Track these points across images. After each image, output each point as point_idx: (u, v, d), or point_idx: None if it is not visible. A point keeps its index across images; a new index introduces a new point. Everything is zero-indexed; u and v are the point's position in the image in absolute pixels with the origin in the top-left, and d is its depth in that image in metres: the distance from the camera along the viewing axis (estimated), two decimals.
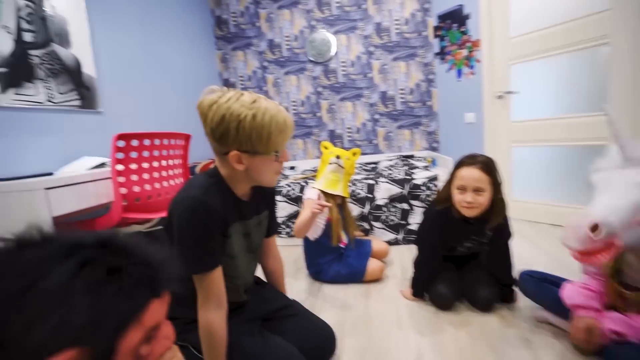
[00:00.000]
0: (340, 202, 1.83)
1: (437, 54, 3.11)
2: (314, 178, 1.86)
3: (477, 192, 1.27)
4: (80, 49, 1.91)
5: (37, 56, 1.68)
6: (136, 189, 1.39)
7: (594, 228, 0.79)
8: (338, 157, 1.77)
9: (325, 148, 1.88)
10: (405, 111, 3.33)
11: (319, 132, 3.51)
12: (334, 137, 3.49)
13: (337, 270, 1.79)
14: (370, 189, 2.33)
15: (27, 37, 1.65)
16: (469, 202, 1.27)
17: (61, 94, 1.79)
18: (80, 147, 1.87)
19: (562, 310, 1.11)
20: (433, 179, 2.26)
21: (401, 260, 2.01)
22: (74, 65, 1.87)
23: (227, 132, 0.81)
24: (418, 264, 1.51)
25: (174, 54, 2.85)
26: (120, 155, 1.33)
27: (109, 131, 2.11)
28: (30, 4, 1.67)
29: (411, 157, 3.26)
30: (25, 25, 1.64)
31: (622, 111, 1.89)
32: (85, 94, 1.93)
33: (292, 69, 3.45)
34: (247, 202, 0.97)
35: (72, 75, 1.86)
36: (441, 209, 1.37)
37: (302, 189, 2.50)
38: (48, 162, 1.70)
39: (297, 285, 1.84)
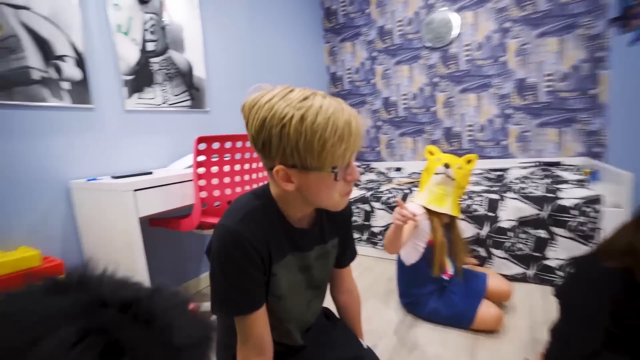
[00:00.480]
0: (447, 222, 1.44)
1: (614, 19, 2.20)
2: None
3: None
4: (193, 53, 2.04)
5: (156, 63, 1.85)
6: (216, 193, 1.35)
7: None
8: (447, 165, 1.39)
9: (431, 154, 1.51)
10: (552, 103, 2.53)
11: (432, 129, 3.03)
12: (451, 136, 2.95)
13: (435, 307, 1.42)
14: (493, 205, 1.81)
15: (150, 46, 1.82)
16: None
17: (175, 95, 1.95)
18: (188, 145, 2.01)
19: None
20: (593, 201, 1.59)
21: (530, 308, 1.48)
22: (186, 68, 2.01)
23: (269, 140, 0.61)
24: (561, 338, 1.01)
25: (281, 50, 2.86)
26: (202, 158, 1.30)
27: (215, 130, 2.24)
28: (153, 16, 1.84)
29: (556, 165, 2.47)
30: (148, 36, 1.82)
31: None
32: (195, 94, 2.07)
33: (404, 57, 3.05)
34: (306, 229, 0.76)
35: (184, 78, 2.00)
36: (614, 267, 0.85)
37: (405, 197, 2.16)
38: (162, 158, 1.87)
39: (385, 314, 1.56)
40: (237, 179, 1.42)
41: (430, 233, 1.40)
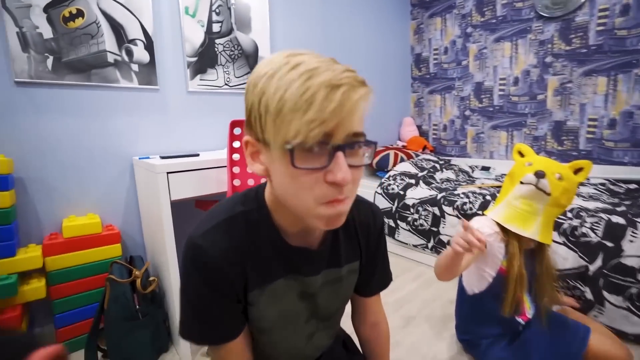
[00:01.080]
0: (533, 248, 1.07)
1: None
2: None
3: None
4: (259, 33, 1.97)
5: (220, 44, 1.84)
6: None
7: None
8: (540, 174, 1.00)
9: (520, 155, 1.13)
10: None
11: (536, 122, 2.43)
12: (562, 132, 2.32)
13: (502, 358, 1.09)
14: (615, 232, 1.33)
15: (215, 27, 1.81)
16: None
17: (237, 77, 1.92)
18: None
19: None
20: None
21: None
22: (252, 49, 1.96)
23: (246, 108, 0.47)
24: None
25: (358, 29, 2.61)
26: (237, 144, 1.21)
27: None
28: None
29: None
30: (214, 17, 1.80)
31: None
32: None
33: (507, 32, 2.48)
34: (309, 249, 0.56)
35: (248, 59, 1.95)
36: None
37: (484, 206, 1.76)
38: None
39: (435, 347, 1.28)
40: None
41: (503, 259, 1.06)
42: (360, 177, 0.46)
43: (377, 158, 2.61)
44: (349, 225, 0.61)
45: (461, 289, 1.21)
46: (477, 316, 1.16)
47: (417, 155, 2.67)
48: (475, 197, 1.86)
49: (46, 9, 1.33)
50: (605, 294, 1.31)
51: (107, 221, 1.53)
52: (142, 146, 1.61)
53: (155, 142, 1.65)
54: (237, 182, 1.24)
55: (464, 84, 2.79)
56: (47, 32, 1.33)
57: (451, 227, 1.93)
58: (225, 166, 1.28)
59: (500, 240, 1.05)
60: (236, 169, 1.23)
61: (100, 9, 1.45)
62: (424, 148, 2.93)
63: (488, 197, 1.82)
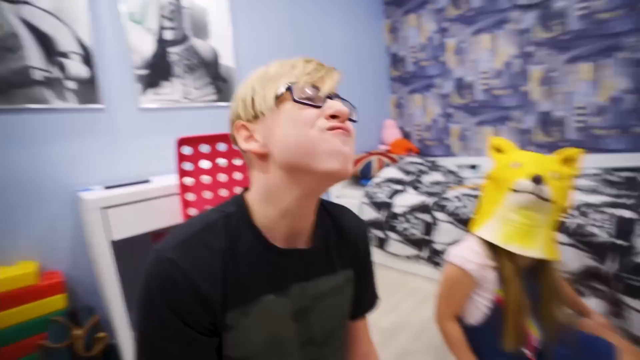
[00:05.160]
0: (534, 267, 0.91)
1: None
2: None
3: None
4: (219, 38, 1.79)
5: (175, 53, 1.64)
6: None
7: None
8: (538, 179, 0.83)
9: (498, 151, 0.96)
10: None
11: (521, 115, 2.32)
12: (549, 124, 2.21)
13: None
14: (625, 228, 1.19)
15: (167, 34, 1.62)
16: None
17: (196, 89, 1.72)
18: None
19: None
20: None
21: None
22: (211, 58, 1.77)
23: (231, 111, 0.51)
24: None
25: (330, 32, 2.46)
26: (189, 166, 1.01)
27: None
28: (172, 0, 1.63)
29: None
30: (166, 24, 1.61)
31: None
32: (221, 86, 1.82)
33: (485, 24, 2.38)
34: (301, 250, 0.51)
35: (208, 69, 1.76)
36: None
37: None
38: None
39: None
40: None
41: (498, 287, 0.89)
42: (354, 132, 0.48)
43: (360, 166, 2.44)
44: (338, 227, 0.57)
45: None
46: (477, 349, 0.98)
47: (402, 159, 2.52)
48: (469, 199, 1.72)
49: None
50: (625, 298, 1.16)
51: (49, 267, 1.29)
52: (86, 175, 1.38)
53: (102, 169, 1.43)
54: (192, 211, 1.03)
55: (444, 80, 2.67)
56: None
57: (445, 233, 1.77)
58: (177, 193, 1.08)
59: (490, 267, 0.88)
60: (190, 196, 1.03)
61: (21, 17, 1.24)
62: (410, 151, 2.78)
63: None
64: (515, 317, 0.85)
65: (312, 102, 0.45)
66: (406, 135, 3.01)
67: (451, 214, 1.73)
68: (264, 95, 0.46)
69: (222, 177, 1.06)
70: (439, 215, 1.78)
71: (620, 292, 1.17)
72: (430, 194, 1.95)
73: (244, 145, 0.48)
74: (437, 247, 1.81)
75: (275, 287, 0.48)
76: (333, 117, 0.45)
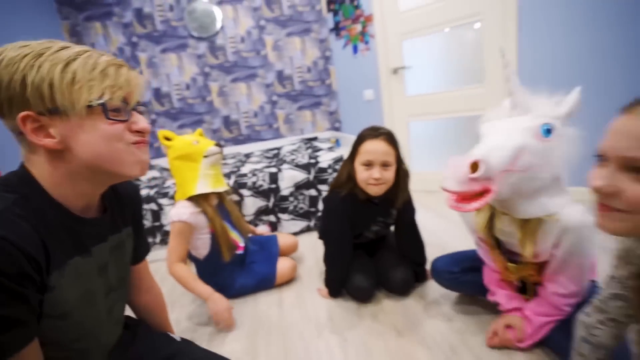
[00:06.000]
0: (217, 202, 1.43)
1: (332, 29, 2.96)
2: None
3: (385, 166, 1.13)
4: None
5: None
6: None
7: (474, 166, 0.70)
8: (218, 143, 1.37)
9: (167, 139, 1.32)
10: (304, 91, 3.14)
11: (211, 119, 3.07)
12: (230, 124, 3.10)
13: (242, 283, 1.46)
14: (274, 178, 2.07)
15: None
16: (377, 178, 1.11)
17: None
18: None
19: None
20: (338, 160, 2.12)
21: (315, 251, 1.81)
22: None
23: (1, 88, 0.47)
24: (328, 260, 1.32)
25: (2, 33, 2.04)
26: None
27: None
28: None
29: (315, 139, 3.11)
30: None
31: (493, 85, 2.02)
32: None
33: (170, 45, 2.89)
34: (96, 218, 0.61)
35: None
36: (344, 194, 1.19)
37: (274, 178, 2.05)
38: None
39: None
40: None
41: (208, 223, 1.33)
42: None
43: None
44: (117, 194, 0.68)
45: (195, 260, 1.41)
46: (214, 271, 1.41)
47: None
48: (263, 176, 2.07)
49: None
50: (280, 215, 2.07)
51: None
52: None
53: None
54: None
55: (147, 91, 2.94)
56: None
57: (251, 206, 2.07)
58: None
59: (199, 213, 1.30)
60: None
61: None
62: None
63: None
64: (223, 237, 1.35)
65: (122, 118, 0.53)
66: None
67: (252, 189, 2.07)
68: (71, 99, 0.48)
69: None
70: (163, 201, 2.11)
71: (278, 213, 2.07)
72: (152, 187, 2.22)
73: (33, 138, 0.48)
74: (167, 229, 2.13)
75: (80, 250, 0.56)
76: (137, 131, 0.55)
